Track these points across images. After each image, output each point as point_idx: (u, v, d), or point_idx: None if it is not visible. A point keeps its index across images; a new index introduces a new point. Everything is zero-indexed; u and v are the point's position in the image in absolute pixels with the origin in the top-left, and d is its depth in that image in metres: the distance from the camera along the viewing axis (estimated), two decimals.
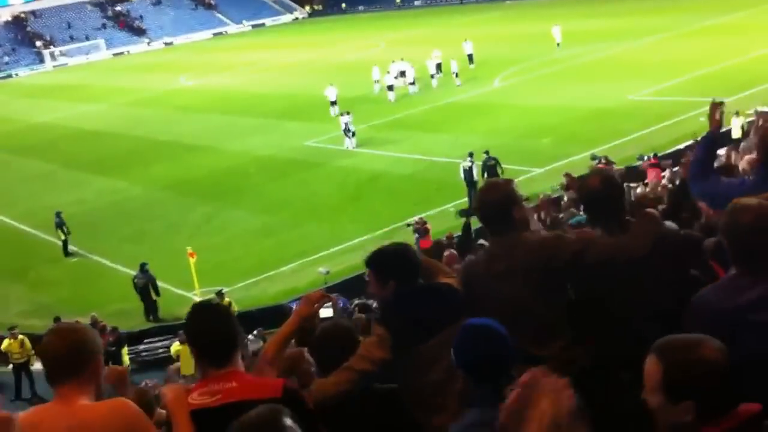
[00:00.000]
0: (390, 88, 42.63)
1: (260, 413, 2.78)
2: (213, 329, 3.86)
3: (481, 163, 26.55)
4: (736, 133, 24.40)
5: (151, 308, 22.81)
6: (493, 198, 4.58)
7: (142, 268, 22.73)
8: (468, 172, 26.13)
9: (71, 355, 3.59)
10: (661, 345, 2.90)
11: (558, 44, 48.99)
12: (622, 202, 4.90)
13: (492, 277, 4.46)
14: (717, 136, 5.70)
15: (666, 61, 39.76)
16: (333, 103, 40.55)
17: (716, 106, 5.54)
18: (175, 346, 18.43)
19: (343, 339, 4.65)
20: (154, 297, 22.78)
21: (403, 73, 43.98)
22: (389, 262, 4.57)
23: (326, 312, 11.95)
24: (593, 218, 4.91)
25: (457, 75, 43.81)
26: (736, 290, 3.63)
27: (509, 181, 4.83)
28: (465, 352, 3.47)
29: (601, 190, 4.73)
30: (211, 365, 3.85)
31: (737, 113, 25.28)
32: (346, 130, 34.59)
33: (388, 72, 43.46)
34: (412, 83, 43.58)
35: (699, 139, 5.80)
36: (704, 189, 5.70)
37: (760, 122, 23.78)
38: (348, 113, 35.14)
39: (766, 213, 3.71)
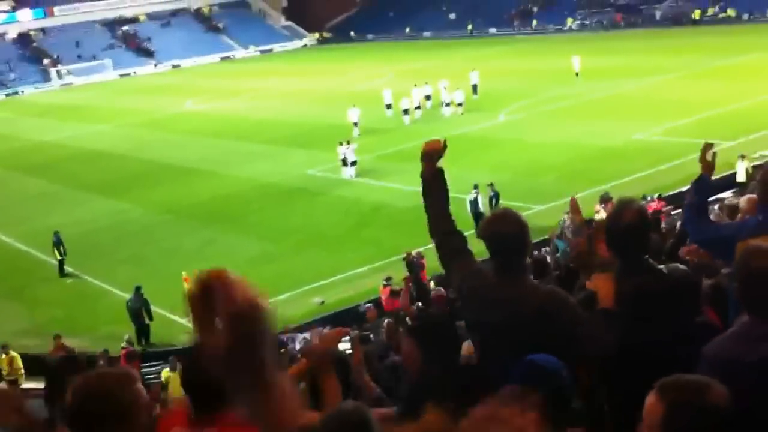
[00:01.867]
0: (405, 111, 43.62)
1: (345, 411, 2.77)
2: (204, 379, 3.50)
3: (489, 195, 26.69)
4: (741, 177, 24.40)
5: (143, 333, 22.74)
6: (511, 229, 4.39)
7: (137, 291, 22.73)
8: (474, 204, 26.22)
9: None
10: (666, 384, 2.87)
11: (576, 74, 49.95)
12: (649, 239, 4.64)
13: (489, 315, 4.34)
14: (709, 180, 5.64)
15: (674, 101, 39.87)
16: (355, 125, 41.90)
17: (707, 148, 5.43)
18: (165, 372, 18.33)
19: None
20: (146, 321, 22.74)
21: (427, 98, 45.76)
22: (443, 339, 4.36)
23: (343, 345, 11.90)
24: (622, 254, 4.49)
25: (460, 105, 44.55)
26: (757, 340, 3.47)
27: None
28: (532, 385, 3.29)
29: (637, 224, 4.41)
30: (197, 412, 3.65)
31: (742, 157, 25.30)
32: (344, 160, 34.79)
33: (410, 97, 44.41)
34: (418, 107, 44.63)
35: (691, 183, 5.72)
36: (702, 233, 5.61)
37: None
38: (348, 143, 35.31)
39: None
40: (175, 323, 22.66)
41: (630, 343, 4.04)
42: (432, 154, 4.97)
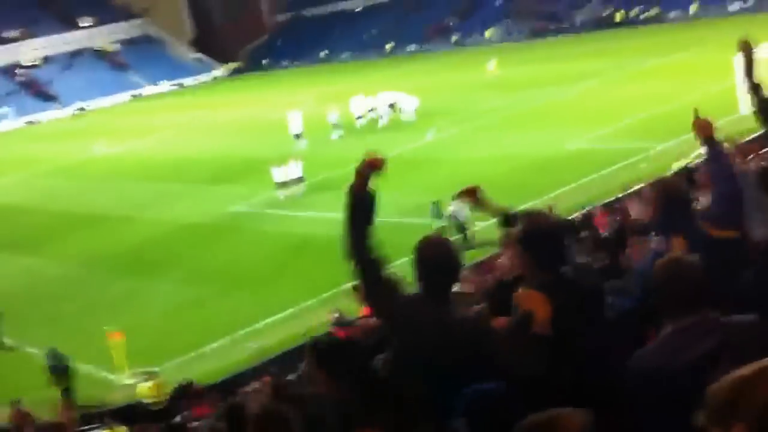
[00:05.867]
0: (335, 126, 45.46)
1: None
2: None
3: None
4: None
5: (68, 395, 22.12)
6: (447, 255, 4.79)
7: (55, 352, 22.16)
8: (455, 217, 27.01)
9: None
10: (525, 423, 2.98)
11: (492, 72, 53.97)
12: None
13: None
14: None
15: (602, 107, 40.69)
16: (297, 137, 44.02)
17: None
18: None
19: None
20: (69, 383, 22.11)
21: (372, 110, 47.48)
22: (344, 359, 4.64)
23: None
24: (542, 264, 4.65)
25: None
26: (680, 348, 3.68)
27: None
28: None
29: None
30: None
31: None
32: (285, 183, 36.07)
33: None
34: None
35: None
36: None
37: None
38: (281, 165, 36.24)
39: (677, 264, 3.94)
40: (105, 381, 22.25)
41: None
42: (371, 169, 4.90)
